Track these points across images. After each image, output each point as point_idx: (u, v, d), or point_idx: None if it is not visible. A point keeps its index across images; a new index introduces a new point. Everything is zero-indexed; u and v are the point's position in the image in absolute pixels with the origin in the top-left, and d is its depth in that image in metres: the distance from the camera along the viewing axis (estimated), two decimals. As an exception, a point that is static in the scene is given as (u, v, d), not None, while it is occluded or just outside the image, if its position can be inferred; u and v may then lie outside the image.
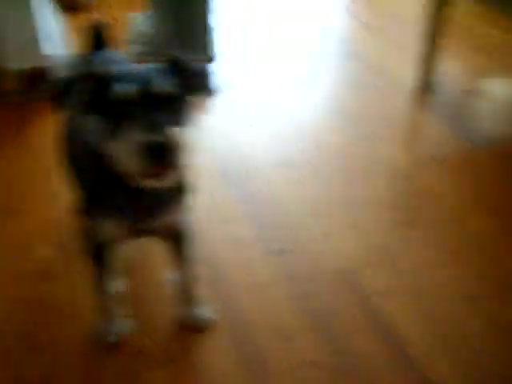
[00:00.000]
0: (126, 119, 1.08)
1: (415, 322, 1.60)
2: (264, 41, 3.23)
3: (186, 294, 1.58)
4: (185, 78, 1.17)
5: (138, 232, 1.35)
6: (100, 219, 1.32)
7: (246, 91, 2.74)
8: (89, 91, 1.14)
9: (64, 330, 1.57)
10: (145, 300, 1.66)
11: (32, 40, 2.55)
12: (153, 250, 1.76)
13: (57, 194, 2.04)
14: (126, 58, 1.78)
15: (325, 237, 1.88)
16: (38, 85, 2.63)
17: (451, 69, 2.96)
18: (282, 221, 1.95)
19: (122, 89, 1.10)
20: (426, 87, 2.71)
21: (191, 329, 1.58)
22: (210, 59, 2.95)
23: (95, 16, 3.43)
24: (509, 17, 2.24)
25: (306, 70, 2.94)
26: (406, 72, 2.80)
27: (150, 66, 1.16)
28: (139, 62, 2.82)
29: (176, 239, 1.49)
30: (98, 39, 1.76)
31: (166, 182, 1.12)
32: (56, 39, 2.75)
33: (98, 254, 1.42)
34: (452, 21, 3.39)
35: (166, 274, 1.59)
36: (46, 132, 2.38)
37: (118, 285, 1.51)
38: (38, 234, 1.89)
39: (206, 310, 1.61)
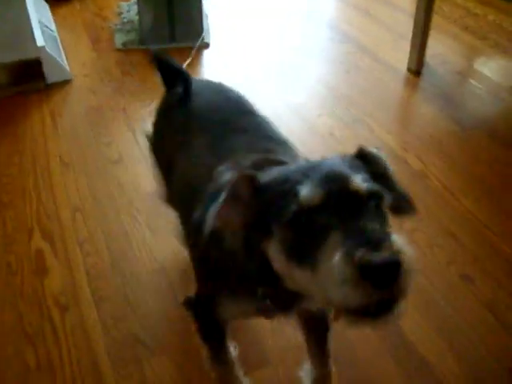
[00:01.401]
0: (317, 233, 0.77)
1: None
2: (255, 26, 3.20)
3: None
4: (375, 174, 0.89)
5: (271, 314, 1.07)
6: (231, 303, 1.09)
7: (240, 77, 2.72)
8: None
9: None
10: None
11: (21, 31, 2.52)
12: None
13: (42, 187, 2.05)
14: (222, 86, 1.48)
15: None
16: (28, 77, 2.61)
17: (444, 50, 2.94)
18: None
19: (311, 191, 0.79)
20: (418, 69, 2.69)
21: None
22: (205, 46, 2.94)
23: (81, 6, 3.41)
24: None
25: (299, 54, 2.92)
26: (399, 54, 2.78)
27: (330, 158, 0.89)
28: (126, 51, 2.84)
29: (317, 327, 1.26)
30: (166, 74, 1.50)
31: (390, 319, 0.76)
32: (44, 30, 2.74)
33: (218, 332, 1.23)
34: (446, 1, 3.39)
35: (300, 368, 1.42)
36: (36, 125, 2.38)
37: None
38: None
39: None
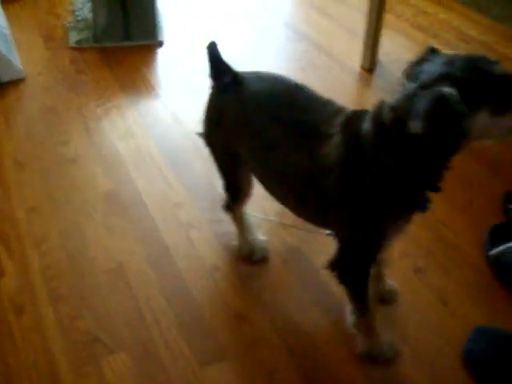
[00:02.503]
0: None
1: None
2: (210, 23, 3.20)
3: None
4: None
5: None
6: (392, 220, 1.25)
7: (195, 75, 2.72)
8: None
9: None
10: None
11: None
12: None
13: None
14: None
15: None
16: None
17: (396, 48, 3.00)
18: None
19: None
20: (371, 66, 2.74)
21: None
22: (160, 44, 2.94)
23: (33, 3, 3.36)
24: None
25: (255, 52, 2.94)
26: (353, 52, 2.82)
27: None
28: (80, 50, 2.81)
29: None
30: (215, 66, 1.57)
31: None
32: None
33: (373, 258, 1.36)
34: (398, 0, 3.45)
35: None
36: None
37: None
38: None
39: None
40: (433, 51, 1.14)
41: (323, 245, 1.78)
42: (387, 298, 1.62)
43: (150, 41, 2.91)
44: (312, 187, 1.28)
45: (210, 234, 1.83)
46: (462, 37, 3.14)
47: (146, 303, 1.63)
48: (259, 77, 1.51)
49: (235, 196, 1.64)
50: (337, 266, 1.36)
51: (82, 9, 3.19)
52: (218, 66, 1.52)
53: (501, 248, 1.73)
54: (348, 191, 1.22)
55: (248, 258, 1.73)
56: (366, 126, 1.18)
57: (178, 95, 2.55)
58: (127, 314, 1.60)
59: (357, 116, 1.24)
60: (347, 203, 1.24)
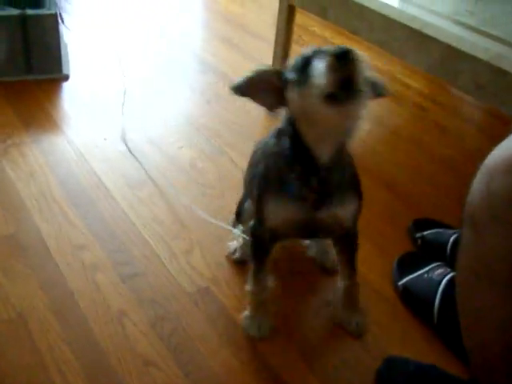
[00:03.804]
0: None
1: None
2: (116, 53, 3.15)
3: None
4: None
5: (305, 225, 1.39)
6: (273, 201, 1.37)
7: (100, 110, 2.66)
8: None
9: None
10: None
11: None
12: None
13: None
14: None
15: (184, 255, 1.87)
16: None
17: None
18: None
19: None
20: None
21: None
22: (65, 78, 2.86)
23: None
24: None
25: (162, 84, 2.91)
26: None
27: None
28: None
29: (344, 241, 1.55)
30: None
31: (359, 109, 1.15)
32: None
33: (260, 243, 1.51)
34: (305, 31, 3.53)
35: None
36: None
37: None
38: None
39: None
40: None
41: (233, 284, 1.77)
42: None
43: (54, 74, 2.83)
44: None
45: (116, 277, 1.76)
46: (367, 67, 3.23)
47: (49, 353, 1.54)
48: None
49: None
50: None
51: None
52: None
53: (408, 278, 1.76)
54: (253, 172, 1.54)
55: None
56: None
57: (83, 131, 2.48)
58: (30, 367, 1.51)
59: None
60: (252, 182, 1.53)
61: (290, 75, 1.21)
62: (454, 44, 1.89)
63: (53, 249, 1.84)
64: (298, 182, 1.31)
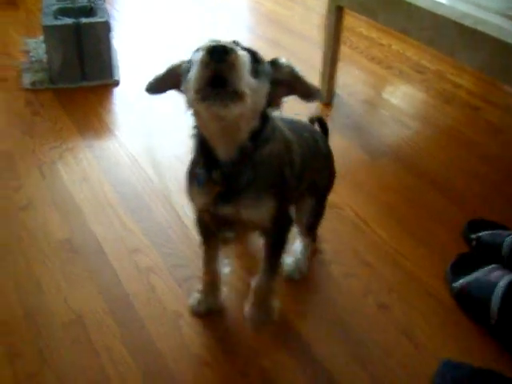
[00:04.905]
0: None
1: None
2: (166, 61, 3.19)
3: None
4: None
5: (220, 218, 1.40)
6: (188, 190, 1.43)
7: (150, 114, 2.70)
8: None
9: None
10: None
11: None
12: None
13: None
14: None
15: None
16: None
17: (352, 80, 3.04)
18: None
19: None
20: (328, 100, 2.76)
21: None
22: (116, 83, 2.91)
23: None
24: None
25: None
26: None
27: None
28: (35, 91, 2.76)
29: (267, 236, 1.52)
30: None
31: (229, 110, 1.10)
32: None
33: (200, 226, 1.57)
34: (352, 32, 3.51)
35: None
36: None
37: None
38: None
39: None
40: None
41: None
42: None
43: (106, 80, 2.89)
44: None
45: (171, 280, 1.79)
46: (416, 67, 3.20)
47: (107, 354, 1.57)
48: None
49: None
50: None
51: (36, 49, 3.15)
52: None
53: (464, 279, 1.73)
54: None
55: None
56: None
57: (135, 136, 2.53)
58: (88, 368, 1.54)
59: None
60: None
61: (183, 68, 1.23)
62: (508, 40, 1.86)
63: (109, 252, 1.88)
64: (203, 174, 1.33)
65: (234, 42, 1.16)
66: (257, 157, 1.30)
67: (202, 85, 1.09)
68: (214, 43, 1.07)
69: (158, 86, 1.38)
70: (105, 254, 1.87)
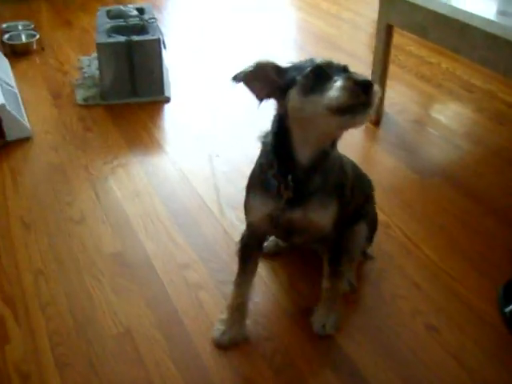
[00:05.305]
0: (325, 77, 1.25)
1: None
2: (216, 79, 3.23)
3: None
4: None
5: (280, 223, 1.44)
6: (253, 196, 1.47)
7: (202, 130, 2.73)
8: None
9: None
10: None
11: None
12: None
13: (3, 250, 2.00)
14: None
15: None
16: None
17: (401, 99, 3.02)
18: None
19: (321, 60, 1.30)
20: (377, 119, 2.75)
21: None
22: (167, 100, 2.96)
23: (41, 60, 3.42)
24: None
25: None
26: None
27: None
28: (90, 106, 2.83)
29: (325, 245, 1.61)
30: None
31: (363, 119, 1.22)
32: (4, 86, 2.72)
33: (243, 247, 1.61)
34: (401, 50, 3.49)
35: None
36: None
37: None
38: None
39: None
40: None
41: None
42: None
43: (157, 97, 2.94)
44: None
45: (219, 296, 1.80)
46: (466, 86, 3.16)
47: (154, 368, 1.59)
48: None
49: None
50: None
51: (89, 66, 3.24)
52: None
53: (516, 304, 1.70)
54: None
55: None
56: None
57: (185, 152, 2.56)
58: (136, 380, 1.56)
59: None
60: None
61: (297, 77, 1.28)
62: None
63: (158, 267, 1.91)
64: (275, 179, 1.38)
65: (345, 67, 1.31)
66: (329, 161, 1.39)
67: (344, 106, 1.19)
68: (363, 80, 1.20)
69: (244, 77, 1.36)
70: (154, 269, 1.90)
